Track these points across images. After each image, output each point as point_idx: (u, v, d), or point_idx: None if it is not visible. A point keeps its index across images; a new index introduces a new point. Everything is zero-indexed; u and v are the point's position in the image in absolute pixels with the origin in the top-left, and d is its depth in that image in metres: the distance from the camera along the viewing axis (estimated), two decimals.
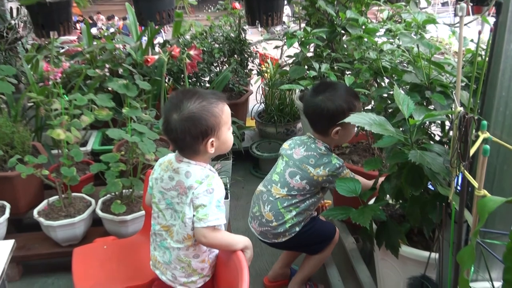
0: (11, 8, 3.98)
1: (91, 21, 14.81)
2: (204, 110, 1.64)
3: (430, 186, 1.81)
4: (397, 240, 1.93)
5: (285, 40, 3.05)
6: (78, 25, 10.29)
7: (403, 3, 3.18)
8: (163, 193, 1.77)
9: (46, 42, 4.06)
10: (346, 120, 1.71)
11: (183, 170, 1.70)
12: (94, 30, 9.75)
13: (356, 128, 2.74)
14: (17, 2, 3.64)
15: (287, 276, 2.68)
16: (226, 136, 1.73)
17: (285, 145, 2.40)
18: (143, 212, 2.55)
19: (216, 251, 1.83)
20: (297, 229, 2.27)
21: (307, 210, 2.28)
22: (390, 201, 2.15)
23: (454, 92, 1.66)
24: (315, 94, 2.25)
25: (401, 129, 1.80)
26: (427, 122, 1.90)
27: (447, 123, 1.99)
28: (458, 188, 1.51)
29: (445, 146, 1.81)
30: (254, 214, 2.36)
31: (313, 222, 2.34)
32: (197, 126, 1.62)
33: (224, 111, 1.70)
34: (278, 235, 2.28)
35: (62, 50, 4.39)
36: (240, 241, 1.72)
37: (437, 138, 1.98)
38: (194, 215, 1.67)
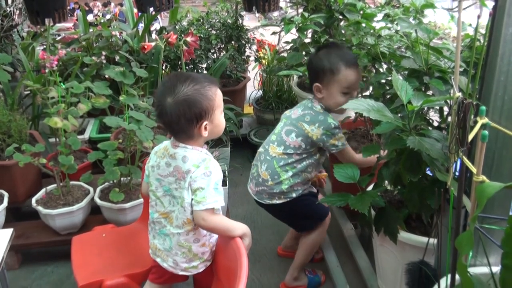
0: None
1: (87, 8, 14.70)
2: (199, 93, 1.65)
3: (428, 172, 1.80)
4: (395, 226, 1.93)
5: (283, 26, 3.02)
6: (74, 13, 10.21)
7: None
8: (160, 180, 1.77)
9: (42, 30, 4.04)
10: (345, 106, 1.70)
11: (180, 155, 1.70)
12: (90, 17, 9.69)
13: (354, 113, 2.75)
14: None
15: (296, 249, 2.70)
16: (219, 119, 1.74)
17: (286, 111, 2.44)
18: (141, 200, 2.55)
19: (216, 236, 1.84)
20: (294, 195, 2.30)
21: (304, 172, 2.29)
22: (389, 187, 2.15)
23: (452, 77, 1.65)
24: (317, 50, 2.33)
25: (399, 115, 1.80)
26: (425, 108, 1.89)
27: (446, 108, 1.98)
28: (457, 174, 1.51)
29: (444, 132, 1.80)
30: (252, 175, 2.39)
31: (312, 196, 2.37)
32: (192, 109, 1.63)
33: (217, 95, 1.71)
34: (273, 195, 2.30)
35: (58, 38, 4.36)
36: (239, 227, 1.73)
37: (435, 124, 1.98)
38: (192, 199, 1.68)
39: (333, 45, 2.37)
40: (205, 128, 1.68)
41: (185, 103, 1.62)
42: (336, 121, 2.25)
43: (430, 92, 1.91)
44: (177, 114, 1.62)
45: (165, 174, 1.75)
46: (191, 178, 1.67)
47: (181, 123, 1.64)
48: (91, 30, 3.96)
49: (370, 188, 2.14)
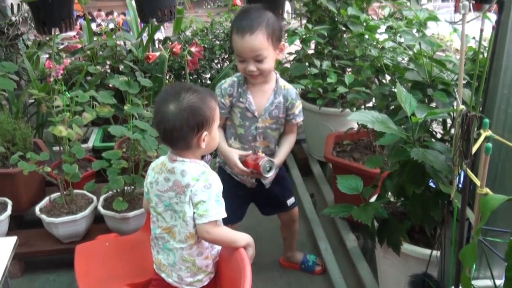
0: (11, 5, 3.97)
1: (90, 17, 14.77)
2: (203, 101, 1.66)
3: (432, 184, 1.81)
4: (398, 238, 1.94)
5: (286, 38, 3.05)
6: (78, 22, 10.24)
7: (405, 0, 3.17)
8: (160, 196, 1.76)
9: (47, 39, 4.06)
10: (349, 117, 1.73)
11: (178, 169, 1.70)
12: (93, 26, 9.71)
13: (357, 125, 2.76)
14: None
15: (295, 260, 2.73)
16: (216, 133, 1.76)
17: None
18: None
19: (218, 247, 1.84)
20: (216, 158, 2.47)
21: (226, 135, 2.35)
22: (392, 199, 2.15)
23: (456, 90, 1.66)
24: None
25: (403, 126, 1.81)
26: (429, 120, 1.90)
27: (449, 121, 1.99)
28: (460, 186, 1.52)
29: (447, 144, 1.81)
30: None
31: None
32: (195, 116, 1.63)
33: (217, 107, 1.73)
34: None
35: (61, 46, 4.38)
36: (243, 238, 1.73)
37: (439, 136, 1.99)
38: (194, 212, 1.67)
39: (254, 8, 2.19)
40: (204, 140, 1.68)
41: (190, 110, 1.63)
42: (224, 86, 2.24)
43: (433, 104, 1.92)
44: (180, 120, 1.62)
45: (164, 189, 1.74)
46: (192, 192, 1.66)
47: (183, 131, 1.64)
48: (95, 39, 3.98)
49: (373, 199, 2.14)
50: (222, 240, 1.74)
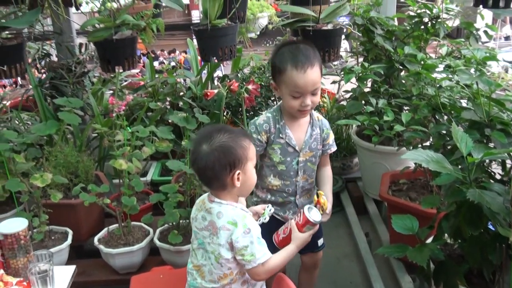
0: (80, 44, 4.20)
1: (153, 55, 15.32)
2: (234, 141, 1.69)
3: (490, 226, 1.76)
4: (455, 281, 1.88)
5: (343, 75, 3.07)
6: (141, 59, 10.66)
7: (463, 39, 3.14)
8: (196, 233, 1.79)
9: (111, 76, 4.25)
10: (403, 156, 1.71)
11: (215, 211, 1.72)
12: (155, 64, 10.08)
13: (413, 164, 2.72)
14: (86, 38, 3.83)
15: None
16: (251, 172, 1.76)
17: None
18: None
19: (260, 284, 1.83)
20: (254, 198, 2.35)
21: (261, 173, 2.27)
22: (448, 240, 2.10)
23: None
24: (281, 46, 2.21)
25: (459, 166, 1.78)
26: (487, 160, 1.86)
27: (508, 161, 1.94)
28: None
29: (506, 185, 1.76)
30: None
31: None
32: (226, 155, 1.67)
33: (251, 146, 1.75)
34: None
35: (125, 83, 4.56)
36: (293, 249, 1.80)
37: (498, 177, 1.94)
38: (241, 259, 1.68)
39: (297, 42, 2.23)
40: (238, 179, 1.70)
41: (221, 149, 1.67)
42: (260, 122, 2.18)
43: (491, 144, 1.88)
44: (212, 160, 1.66)
45: (200, 227, 1.77)
46: (232, 240, 1.67)
47: (215, 170, 1.67)
48: (157, 76, 4.13)
49: (429, 240, 2.10)
50: (277, 269, 1.75)
